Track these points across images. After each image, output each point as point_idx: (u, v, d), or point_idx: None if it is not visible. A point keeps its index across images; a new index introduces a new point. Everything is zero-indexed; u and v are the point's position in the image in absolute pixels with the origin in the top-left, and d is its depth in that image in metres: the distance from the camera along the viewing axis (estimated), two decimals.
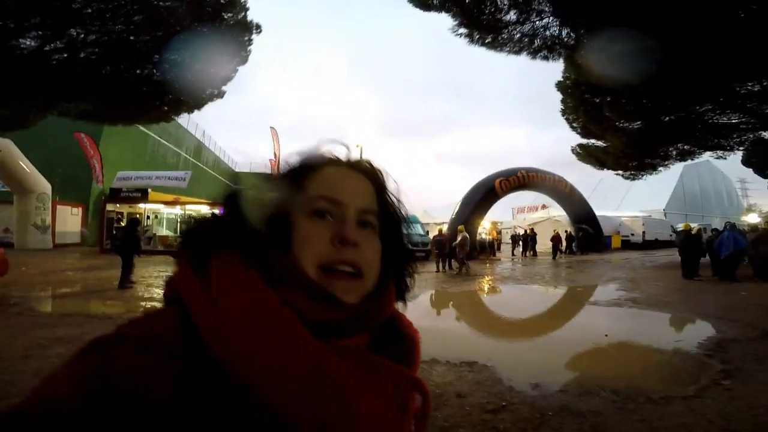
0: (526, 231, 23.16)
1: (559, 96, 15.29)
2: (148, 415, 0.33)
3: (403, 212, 0.57)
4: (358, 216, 0.50)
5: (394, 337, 0.54)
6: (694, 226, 16.57)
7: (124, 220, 17.76)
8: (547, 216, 25.93)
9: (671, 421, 2.92)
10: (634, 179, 18.75)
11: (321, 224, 0.48)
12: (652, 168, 16.88)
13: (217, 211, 0.52)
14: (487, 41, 9.61)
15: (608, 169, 17.96)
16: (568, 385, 3.68)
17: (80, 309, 6.55)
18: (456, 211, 19.11)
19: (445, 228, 17.53)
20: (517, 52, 10.37)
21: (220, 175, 39.82)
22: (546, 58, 10.90)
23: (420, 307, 7.91)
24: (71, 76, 10.52)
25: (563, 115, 16.25)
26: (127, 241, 8.64)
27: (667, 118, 13.01)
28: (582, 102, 14.26)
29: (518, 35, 10.08)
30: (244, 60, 12.65)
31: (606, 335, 5.53)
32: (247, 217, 0.47)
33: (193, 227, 0.50)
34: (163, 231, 17.48)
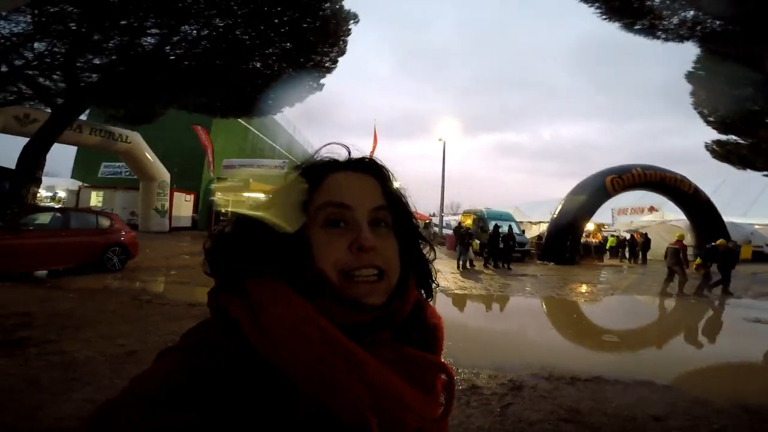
0: (633, 235, 20.60)
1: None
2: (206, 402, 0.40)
3: (409, 204, 0.56)
4: (369, 216, 0.50)
5: (416, 324, 0.53)
6: None
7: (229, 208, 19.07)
8: (660, 219, 22.68)
9: None
10: None
11: (337, 232, 0.48)
12: None
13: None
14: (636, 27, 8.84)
15: (755, 169, 15.80)
16: None
17: (202, 298, 6.72)
18: (559, 210, 17.39)
19: (543, 228, 15.99)
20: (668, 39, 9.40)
21: None
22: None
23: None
24: (188, 71, 11.21)
25: (695, 108, 14.69)
26: None
27: None
28: (721, 94, 12.31)
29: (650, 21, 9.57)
30: (342, 51, 12.46)
31: None
32: (265, 239, 0.48)
33: (222, 247, 0.54)
34: None
